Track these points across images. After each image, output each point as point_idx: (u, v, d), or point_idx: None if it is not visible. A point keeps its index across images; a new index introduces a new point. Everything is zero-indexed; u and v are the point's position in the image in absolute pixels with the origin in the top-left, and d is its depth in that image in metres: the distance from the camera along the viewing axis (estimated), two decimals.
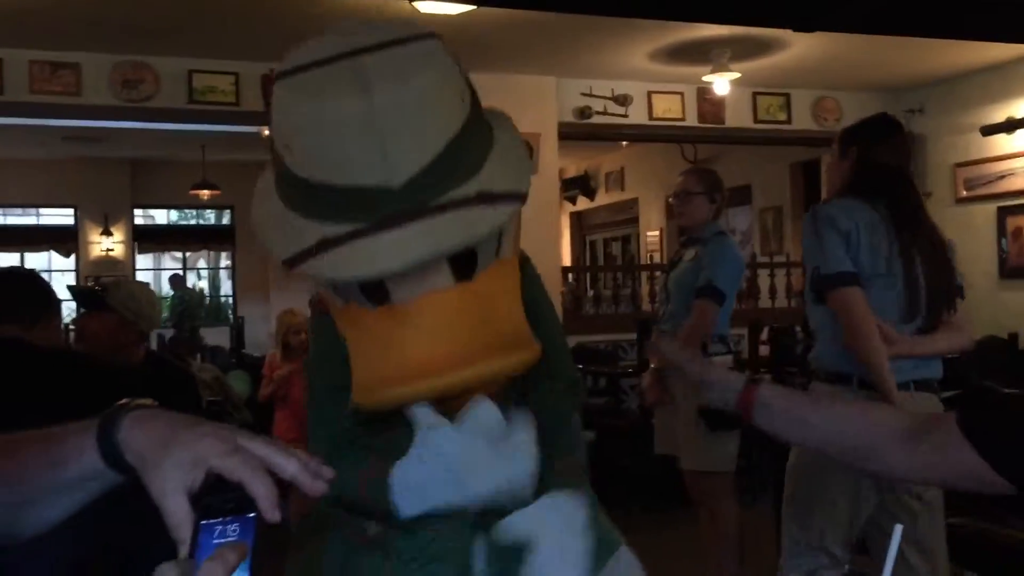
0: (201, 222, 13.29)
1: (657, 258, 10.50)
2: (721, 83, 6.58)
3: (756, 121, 7.33)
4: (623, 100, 6.89)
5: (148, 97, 5.96)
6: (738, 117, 7.31)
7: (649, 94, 7.06)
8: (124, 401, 0.84)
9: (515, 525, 1.21)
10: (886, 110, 8.02)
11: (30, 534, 0.89)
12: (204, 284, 13.92)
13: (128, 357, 2.81)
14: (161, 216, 12.95)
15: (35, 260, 11.32)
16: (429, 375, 1.09)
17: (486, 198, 1.08)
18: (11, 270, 2.57)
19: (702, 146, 9.33)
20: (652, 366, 3.72)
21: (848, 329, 2.44)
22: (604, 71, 6.58)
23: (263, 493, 0.73)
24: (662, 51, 6.22)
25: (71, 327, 3.19)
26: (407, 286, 1.09)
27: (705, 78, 6.57)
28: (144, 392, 1.04)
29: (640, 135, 7.84)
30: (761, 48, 6.16)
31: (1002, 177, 7.00)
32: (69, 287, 3.06)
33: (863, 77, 7.19)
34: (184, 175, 10.71)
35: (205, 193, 10.47)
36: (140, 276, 11.79)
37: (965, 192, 7.29)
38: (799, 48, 6.20)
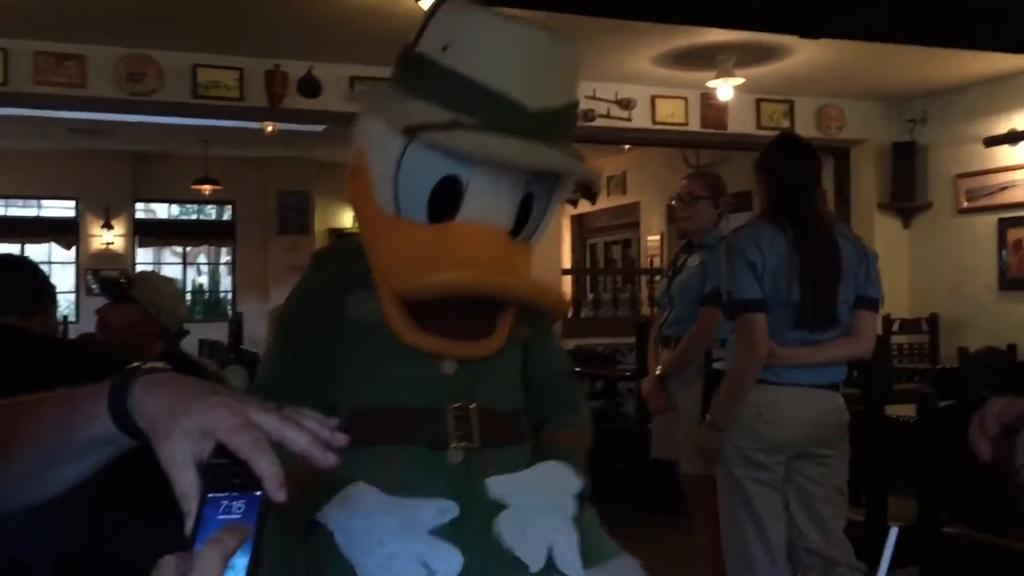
0: (202, 217, 13.28)
1: (657, 262, 10.50)
2: (725, 89, 6.58)
3: (759, 127, 7.33)
4: (626, 104, 6.89)
5: (152, 91, 5.97)
6: (741, 123, 7.31)
7: (653, 98, 7.07)
8: (136, 364, 0.84)
9: (502, 485, 1.32)
10: (888, 119, 8.07)
11: (42, 498, 0.89)
12: (204, 279, 13.92)
13: (146, 351, 2.78)
14: (162, 210, 12.95)
15: (35, 252, 11.32)
16: (474, 267, 1.24)
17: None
18: (8, 258, 2.57)
19: (704, 152, 9.32)
20: (655, 372, 3.69)
21: (741, 349, 2.78)
22: (608, 74, 6.58)
23: (268, 473, 0.71)
24: (666, 55, 6.22)
25: (66, 320, 3.21)
26: (481, 205, 1.26)
27: (709, 83, 6.58)
28: None
29: (643, 139, 7.84)
30: (765, 55, 6.17)
31: (1004, 188, 7.00)
32: (96, 276, 3.07)
33: (866, 86, 7.20)
34: (186, 170, 10.71)
35: (207, 188, 10.46)
36: (140, 270, 11.79)
37: (967, 203, 7.29)
38: (803, 56, 6.20)
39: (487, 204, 1.28)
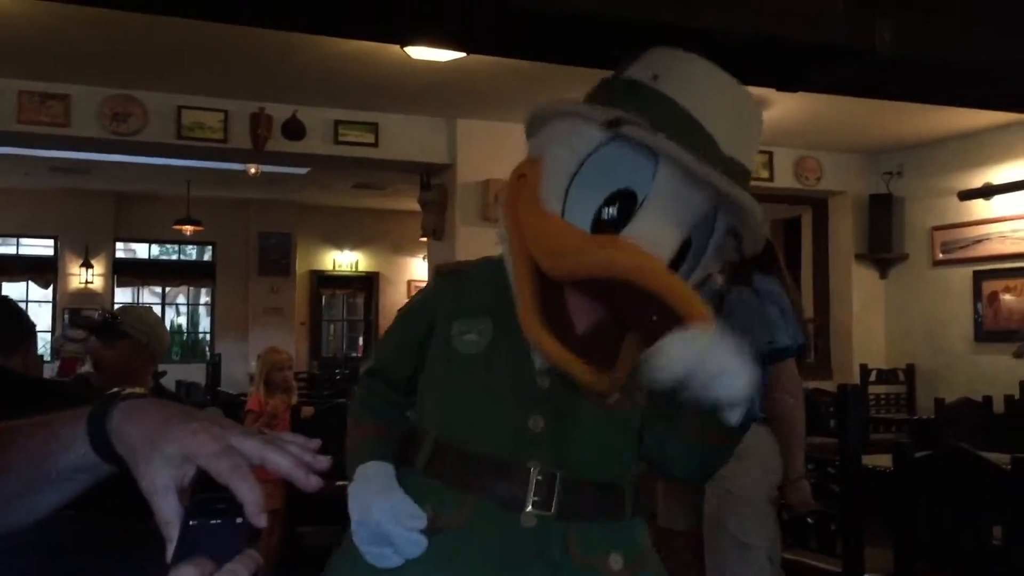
0: (182, 257, 13.24)
1: None
2: None
3: None
4: None
5: (136, 131, 5.98)
6: None
7: None
8: (115, 390, 0.83)
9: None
10: (866, 171, 8.19)
11: (20, 525, 0.88)
12: (183, 320, 13.83)
13: (140, 385, 2.78)
14: (142, 250, 12.90)
15: (13, 290, 11.22)
16: (623, 251, 1.20)
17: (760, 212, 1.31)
18: None
19: None
20: None
21: (794, 389, 2.98)
22: None
23: (250, 499, 0.71)
24: None
25: (42, 359, 3.17)
26: (651, 225, 1.24)
27: None
28: None
29: None
30: None
31: (979, 241, 7.10)
32: (86, 321, 3.04)
33: (843, 138, 7.31)
34: (168, 210, 10.70)
35: (188, 228, 10.45)
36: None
37: (942, 255, 7.39)
38: (782, 107, 6.30)
39: (657, 226, 1.24)
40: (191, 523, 0.71)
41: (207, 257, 12.57)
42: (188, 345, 13.41)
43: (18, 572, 1.55)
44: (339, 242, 12.19)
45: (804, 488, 3.00)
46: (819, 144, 7.49)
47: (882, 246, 7.72)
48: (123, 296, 12.43)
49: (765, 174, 7.51)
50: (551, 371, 1.28)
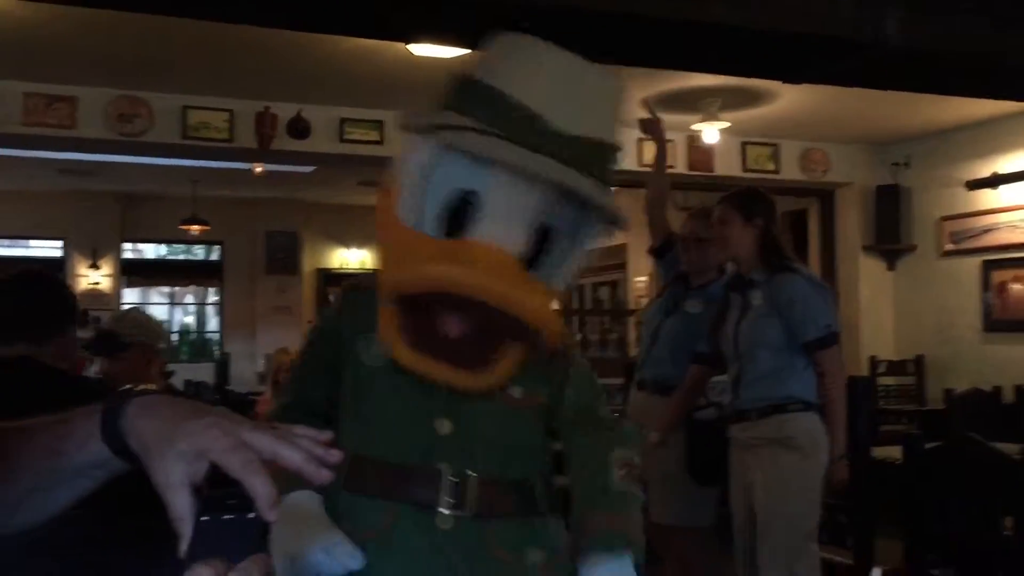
0: (190, 257, 13.27)
1: (645, 303, 10.52)
2: (711, 132, 6.65)
3: (745, 170, 7.41)
4: None
5: (142, 132, 5.99)
6: (727, 166, 7.39)
7: (639, 141, 7.12)
8: (128, 387, 0.85)
9: None
10: (873, 162, 8.17)
11: (34, 522, 0.89)
12: (191, 319, 13.87)
13: (150, 383, 2.76)
14: (150, 251, 12.93)
15: None
16: (466, 266, 1.20)
17: (610, 196, 1.29)
18: (18, 277, 2.27)
19: (692, 194, 9.40)
20: (652, 438, 3.38)
21: (842, 377, 3.05)
22: None
23: (261, 494, 0.72)
24: (652, 99, 6.29)
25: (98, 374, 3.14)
26: (493, 223, 1.24)
27: (695, 126, 6.65)
28: None
29: (630, 181, 7.86)
30: (750, 99, 6.25)
31: (987, 231, 7.08)
32: (84, 345, 2.97)
33: (850, 130, 7.29)
34: (175, 210, 10.71)
35: (195, 228, 10.46)
36: (123, 309, 11.74)
37: (951, 245, 7.36)
38: (788, 99, 6.29)
39: (499, 223, 1.25)
40: (204, 519, 0.72)
41: (214, 256, 12.59)
42: (196, 345, 13.44)
43: (32, 571, 1.56)
44: (346, 240, 12.20)
45: (845, 468, 3.02)
46: (825, 136, 7.47)
47: (890, 237, 7.70)
48: (131, 296, 12.47)
49: (771, 166, 7.50)
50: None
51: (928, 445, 2.85)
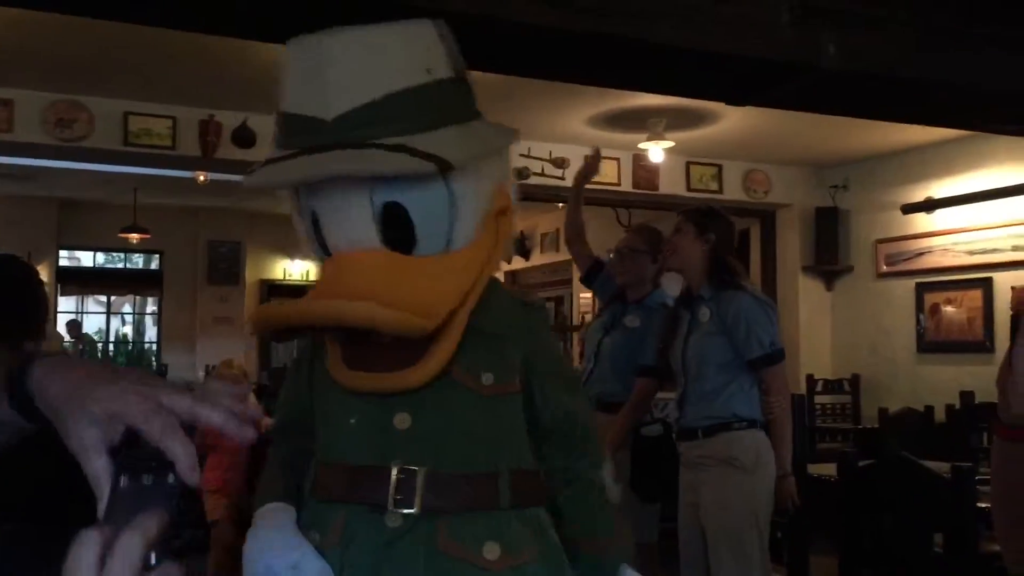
0: (128, 266, 13.02)
1: (589, 319, 10.58)
2: (656, 151, 6.73)
3: (689, 189, 7.51)
4: (560, 163, 7.00)
5: (82, 137, 5.87)
6: (672, 184, 7.48)
7: (586, 158, 7.18)
8: (34, 350, 0.83)
9: None
10: (812, 184, 8.32)
11: None
12: (128, 329, 13.59)
13: None
14: (87, 258, 12.65)
15: None
16: (325, 298, 1.23)
17: (407, 150, 1.19)
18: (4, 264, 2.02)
19: (636, 211, 9.49)
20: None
21: (786, 394, 3.11)
22: (542, 134, 6.69)
23: (182, 457, 0.71)
24: (600, 117, 6.36)
25: None
26: (334, 231, 1.26)
27: (641, 145, 6.72)
28: None
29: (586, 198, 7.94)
30: (695, 119, 6.34)
31: (921, 254, 7.26)
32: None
33: (791, 152, 7.43)
34: (114, 218, 10.50)
35: (135, 236, 10.27)
36: (62, 319, 11.47)
37: (886, 267, 7.53)
38: (731, 121, 6.39)
39: (339, 230, 1.26)
40: (122, 481, 0.71)
41: (154, 266, 12.36)
42: (134, 355, 13.18)
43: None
44: (290, 251, 12.06)
45: (791, 484, 3.05)
46: (767, 158, 7.60)
47: (828, 258, 7.85)
48: (67, 305, 12.18)
49: (715, 186, 7.61)
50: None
51: (862, 463, 2.91)
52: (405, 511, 1.26)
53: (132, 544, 0.65)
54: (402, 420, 1.29)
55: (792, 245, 8.05)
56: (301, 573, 1.23)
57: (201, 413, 0.75)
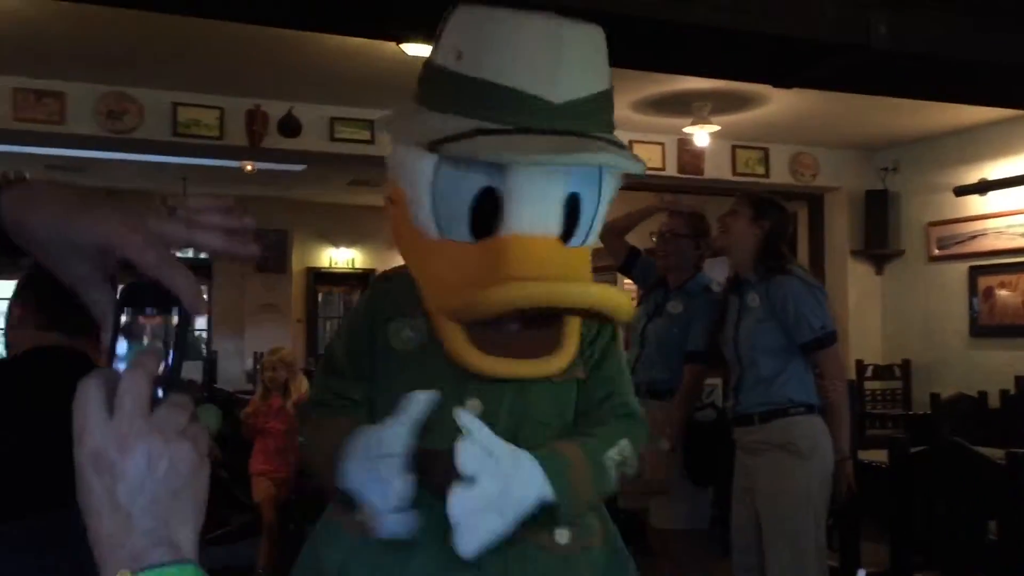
0: (179, 255, 13.21)
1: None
2: (701, 135, 6.67)
3: (735, 174, 7.43)
4: None
5: (132, 128, 5.97)
6: (717, 169, 7.40)
7: (630, 143, 7.15)
8: None
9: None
10: (861, 167, 8.20)
11: None
12: None
13: None
14: None
15: (6, 288, 11.20)
16: (525, 280, 1.17)
17: (625, 148, 1.24)
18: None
19: (681, 196, 9.42)
20: (665, 447, 3.35)
21: (841, 376, 3.09)
22: None
23: (185, 287, 0.68)
24: (644, 101, 6.31)
25: None
26: (522, 214, 1.21)
27: (686, 129, 6.67)
28: None
29: (632, 184, 7.91)
30: (741, 103, 6.27)
31: (974, 237, 7.11)
32: None
33: (839, 134, 7.32)
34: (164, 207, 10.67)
35: None
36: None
37: (938, 251, 7.40)
38: (778, 104, 6.31)
39: (529, 212, 1.22)
40: (125, 315, 0.68)
41: (203, 254, 12.53)
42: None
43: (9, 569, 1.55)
44: (335, 239, 12.18)
45: (849, 467, 3.04)
46: (815, 140, 7.49)
47: (878, 242, 7.73)
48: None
49: (761, 170, 7.52)
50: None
51: (914, 449, 2.87)
52: None
53: (137, 380, 0.64)
54: (474, 406, 1.29)
55: (841, 229, 7.94)
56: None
57: (198, 239, 0.73)
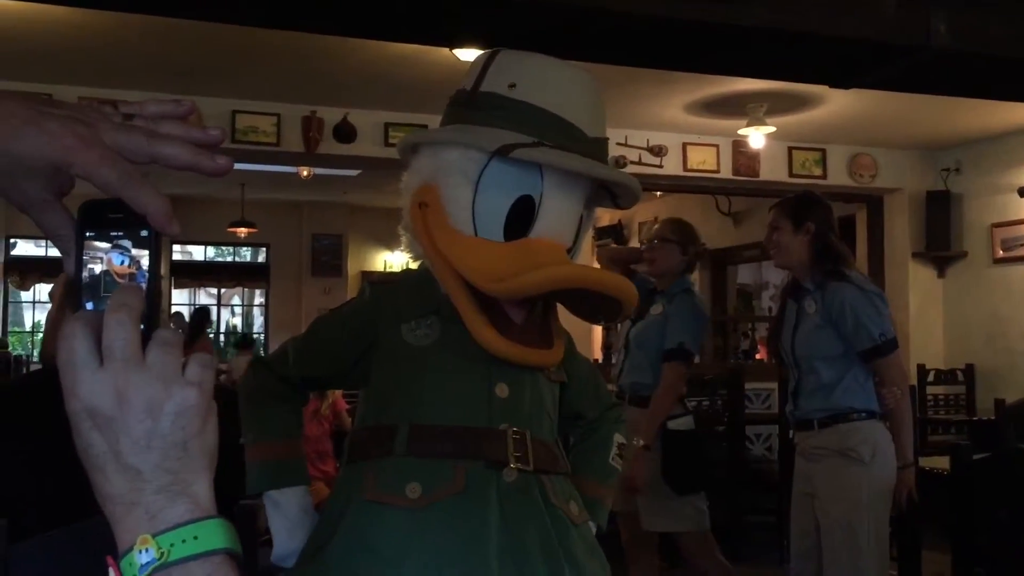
0: (237, 259, 13.45)
1: None
2: (757, 136, 6.60)
3: (791, 175, 7.34)
4: (658, 151, 6.94)
5: None
6: (773, 171, 7.32)
7: (684, 145, 7.10)
8: None
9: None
10: (922, 168, 8.05)
11: None
12: (237, 320, 14.05)
13: None
14: (198, 252, 13.12)
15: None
16: (554, 264, 1.38)
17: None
18: None
19: (736, 199, 9.33)
20: (638, 443, 3.31)
21: (901, 381, 3.01)
22: (640, 122, 6.63)
23: (153, 205, 0.62)
24: (698, 103, 6.27)
25: None
26: (552, 220, 1.43)
27: (741, 131, 6.60)
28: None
29: (674, 186, 7.87)
30: (797, 103, 6.19)
31: None
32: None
33: (899, 135, 7.19)
34: (223, 213, 10.87)
35: (242, 231, 10.61)
36: (174, 311, 11.93)
37: (1002, 252, 7.23)
38: (835, 104, 6.22)
39: (557, 220, 1.44)
40: (88, 237, 0.62)
41: (261, 259, 12.75)
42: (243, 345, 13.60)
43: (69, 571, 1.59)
44: (390, 243, 12.27)
45: (911, 475, 2.99)
46: (873, 141, 7.37)
47: (940, 244, 7.58)
48: (180, 297, 12.67)
49: (818, 171, 7.42)
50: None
51: (977, 456, 2.81)
52: (522, 468, 1.42)
53: (124, 324, 0.59)
54: (502, 390, 1.45)
55: (901, 231, 7.79)
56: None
57: (162, 152, 0.65)
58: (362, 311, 1.56)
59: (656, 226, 3.73)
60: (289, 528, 1.51)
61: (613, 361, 4.03)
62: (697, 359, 3.52)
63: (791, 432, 3.22)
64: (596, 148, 1.43)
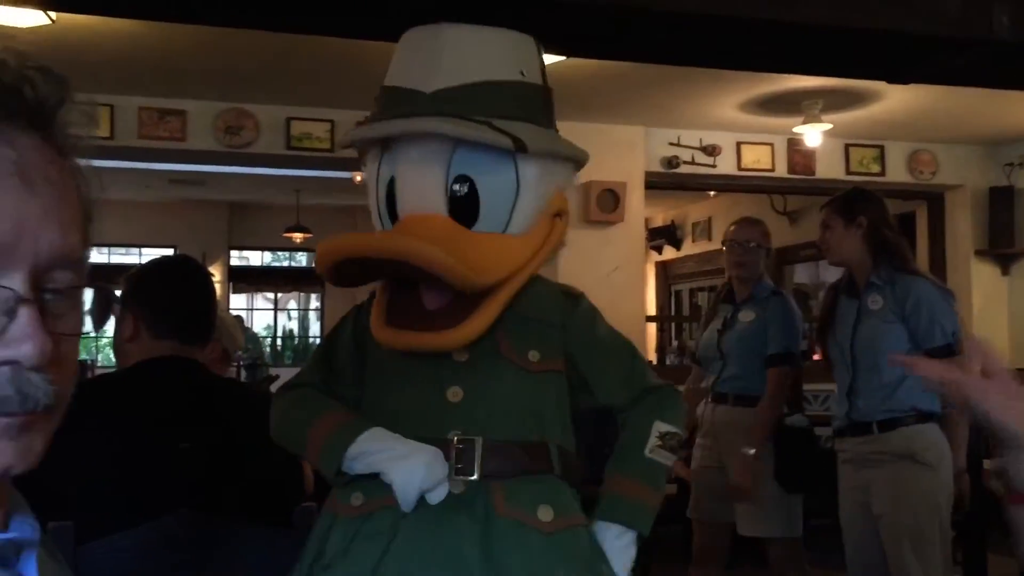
0: (293, 264, 13.63)
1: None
2: (812, 134, 6.51)
3: (848, 173, 7.21)
4: (711, 150, 6.87)
5: (248, 143, 6.19)
6: (830, 168, 7.21)
7: (738, 144, 7.02)
8: None
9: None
10: (985, 163, 7.86)
11: None
12: (294, 325, 14.23)
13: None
14: (255, 257, 13.33)
15: None
16: (387, 239, 1.37)
17: (490, 125, 1.35)
18: (175, 264, 2.29)
19: (792, 197, 9.21)
20: (746, 454, 3.31)
21: None
22: (693, 121, 6.57)
23: None
24: (752, 101, 6.19)
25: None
26: (408, 193, 1.40)
27: (796, 129, 6.51)
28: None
29: (728, 185, 7.79)
30: (854, 99, 6.09)
31: None
32: None
33: (959, 130, 7.03)
34: (278, 218, 11.03)
35: (298, 236, 10.74)
36: (235, 315, 12.13)
37: None
38: (893, 100, 6.10)
39: (413, 191, 1.42)
40: None
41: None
42: (299, 349, 13.78)
43: (146, 565, 1.62)
44: None
45: (966, 482, 2.95)
46: (934, 137, 7.21)
47: (1004, 241, 7.39)
48: (237, 302, 12.87)
49: (876, 168, 7.28)
50: (468, 346, 1.38)
51: None
52: (466, 478, 1.36)
53: None
54: (455, 394, 1.39)
55: (963, 228, 7.61)
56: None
57: None
58: (346, 325, 1.59)
59: (735, 228, 3.67)
60: (402, 453, 1.34)
61: (668, 363, 4.03)
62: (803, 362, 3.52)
63: (830, 439, 3.14)
64: (439, 102, 1.38)
